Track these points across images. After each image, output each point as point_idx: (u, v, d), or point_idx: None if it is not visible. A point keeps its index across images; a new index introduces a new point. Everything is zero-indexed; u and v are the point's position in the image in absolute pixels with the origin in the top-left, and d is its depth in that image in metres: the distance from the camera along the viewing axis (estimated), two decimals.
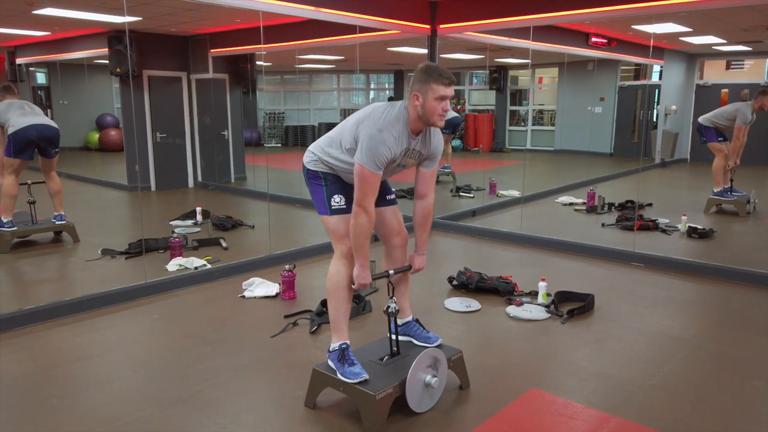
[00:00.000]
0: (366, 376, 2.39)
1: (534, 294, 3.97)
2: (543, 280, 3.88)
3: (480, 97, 16.77)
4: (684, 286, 4.33)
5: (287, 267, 4.04)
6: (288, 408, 2.59)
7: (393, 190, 2.76)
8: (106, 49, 7.91)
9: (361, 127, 2.37)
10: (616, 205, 7.16)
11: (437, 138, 2.53)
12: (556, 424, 2.46)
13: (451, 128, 9.22)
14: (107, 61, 8.06)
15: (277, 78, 16.84)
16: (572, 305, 3.76)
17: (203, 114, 9.41)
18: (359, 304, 3.73)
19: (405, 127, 2.37)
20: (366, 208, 2.34)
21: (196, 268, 4.63)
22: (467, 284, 4.09)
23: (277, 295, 4.05)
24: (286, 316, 3.65)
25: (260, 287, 4.12)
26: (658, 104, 12.97)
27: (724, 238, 5.72)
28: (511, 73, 16.25)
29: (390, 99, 17.28)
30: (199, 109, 9.37)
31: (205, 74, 8.96)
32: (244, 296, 4.05)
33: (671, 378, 2.88)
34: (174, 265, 4.70)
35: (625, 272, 4.66)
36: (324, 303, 3.69)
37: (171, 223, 6.45)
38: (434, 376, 2.50)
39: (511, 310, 3.74)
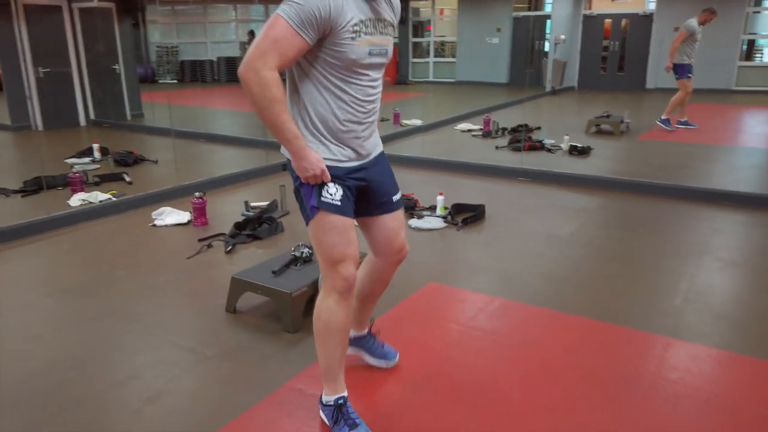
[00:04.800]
0: None
1: (433, 208, 4.34)
2: (441, 194, 4.25)
3: None
4: (562, 195, 4.89)
5: (197, 194, 4.13)
6: (209, 314, 2.79)
7: (399, 188, 2.04)
8: None
9: None
10: (509, 129, 7.69)
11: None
12: (450, 307, 2.85)
13: None
14: None
15: (168, 9, 15.82)
16: (466, 215, 4.18)
17: (91, 47, 8.82)
18: (272, 225, 3.92)
19: None
20: (261, 73, 1.57)
21: (100, 201, 4.59)
22: None
23: (188, 222, 4.15)
24: (200, 240, 3.79)
25: (171, 215, 4.20)
26: (549, 34, 13.63)
27: (601, 153, 6.39)
28: (413, 4, 16.30)
29: None
30: (86, 42, 8.77)
31: (89, 2, 8.35)
32: (155, 225, 4.11)
33: (546, 266, 3.37)
34: (76, 200, 4.62)
35: (512, 186, 5.16)
36: (237, 225, 3.86)
37: (67, 161, 6.21)
38: None
39: (413, 222, 4.09)
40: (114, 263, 3.45)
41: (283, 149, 1.78)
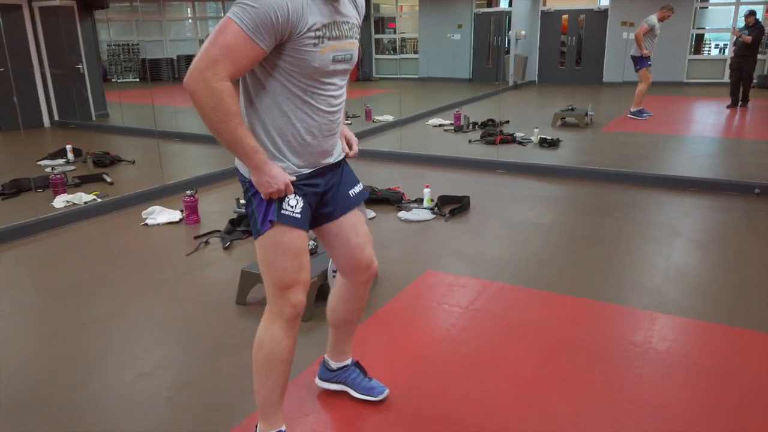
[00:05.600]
0: None
1: (420, 200, 4.49)
2: (427, 186, 4.41)
3: None
4: (539, 185, 5.12)
5: (188, 192, 4.16)
6: (220, 307, 2.87)
7: (358, 180, 1.87)
8: None
9: None
10: (479, 123, 7.92)
11: None
12: (451, 292, 3.01)
13: None
14: None
15: (126, 6, 15.46)
16: (452, 206, 4.35)
17: (53, 46, 8.60)
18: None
19: None
20: (211, 84, 1.41)
21: (85, 203, 4.56)
22: None
23: (180, 220, 4.18)
24: (196, 237, 3.84)
25: (162, 214, 4.22)
26: (509, 30, 13.97)
27: (569, 145, 6.68)
28: (374, 0, 16.41)
29: None
30: (48, 41, 8.55)
31: (50, 1, 8.15)
32: (147, 224, 4.13)
33: (533, 251, 3.56)
34: (60, 201, 4.58)
35: (491, 178, 5.36)
36: (232, 222, 3.92)
37: (40, 162, 6.10)
38: None
39: (402, 214, 4.23)
40: (113, 262, 3.47)
41: (237, 160, 1.64)
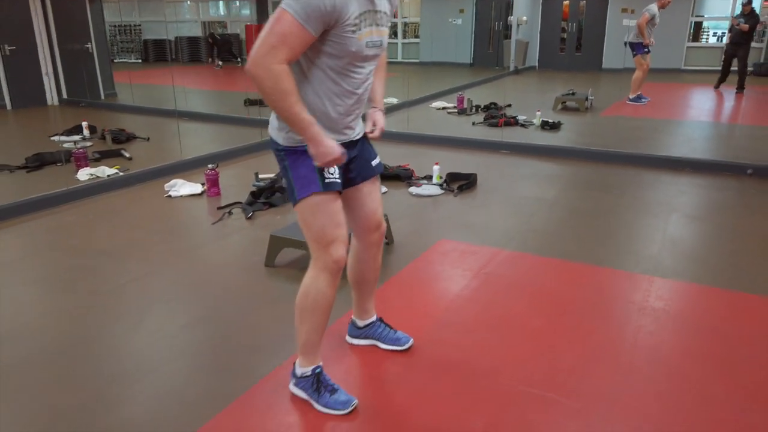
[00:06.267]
0: (356, 401, 1.96)
1: (429, 177, 4.71)
2: (437, 164, 4.62)
3: None
4: (542, 164, 5.35)
5: (210, 166, 4.36)
6: (250, 269, 3.09)
7: (377, 154, 2.09)
8: None
9: None
10: (482, 107, 8.12)
11: None
12: (463, 258, 3.24)
13: None
14: None
15: None
16: (460, 182, 4.57)
17: (62, 25, 8.71)
18: (284, 194, 4.20)
19: None
20: (271, 68, 1.60)
21: (108, 176, 4.75)
22: None
23: (202, 193, 4.39)
24: (219, 208, 4.05)
25: (184, 187, 4.42)
26: (511, 15, 14.10)
27: (570, 128, 6.89)
28: None
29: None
30: (57, 20, 8.66)
31: None
32: (170, 196, 4.34)
33: (538, 223, 3.80)
34: (84, 174, 4.78)
35: (497, 158, 5.58)
36: (253, 194, 4.13)
37: (54, 138, 6.28)
38: None
39: (413, 189, 4.45)
40: (143, 229, 3.69)
41: (271, 129, 1.86)
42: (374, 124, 2.06)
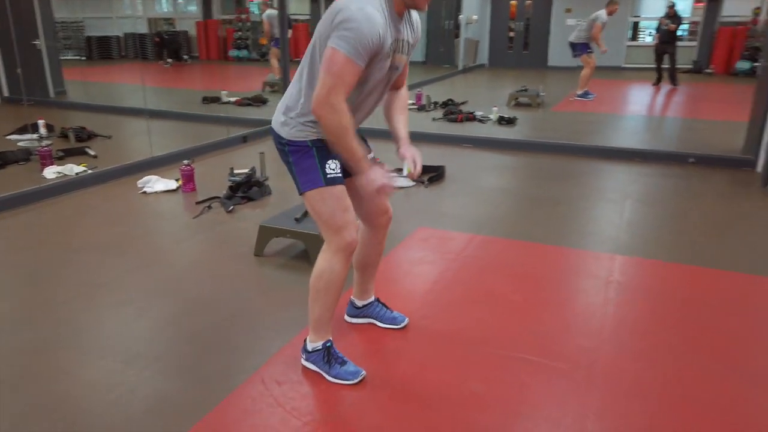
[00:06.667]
0: (364, 372, 2.13)
1: (399, 170, 4.88)
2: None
3: (297, 6, 16.83)
4: (502, 157, 5.63)
5: (185, 162, 4.40)
6: (239, 258, 3.19)
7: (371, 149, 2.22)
8: None
9: (333, 28, 1.79)
10: (440, 103, 8.38)
11: (417, 19, 2.07)
12: (442, 244, 3.44)
13: (274, 40, 9.52)
14: None
15: None
16: (430, 174, 4.78)
17: (5, 21, 8.39)
18: (261, 188, 4.30)
19: (389, 5, 1.86)
20: (335, 106, 1.79)
21: (76, 174, 4.71)
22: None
23: (177, 188, 4.42)
24: (198, 203, 4.10)
25: (158, 183, 4.44)
26: (461, 14, 14.47)
27: (524, 123, 7.23)
28: None
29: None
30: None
31: None
32: (145, 192, 4.35)
33: (506, 211, 4.05)
34: (51, 173, 4.71)
35: (459, 151, 5.83)
36: (232, 188, 4.20)
37: (9, 137, 6.12)
38: None
39: None
40: (125, 225, 3.71)
41: (275, 123, 2.02)
42: (413, 161, 2.17)
